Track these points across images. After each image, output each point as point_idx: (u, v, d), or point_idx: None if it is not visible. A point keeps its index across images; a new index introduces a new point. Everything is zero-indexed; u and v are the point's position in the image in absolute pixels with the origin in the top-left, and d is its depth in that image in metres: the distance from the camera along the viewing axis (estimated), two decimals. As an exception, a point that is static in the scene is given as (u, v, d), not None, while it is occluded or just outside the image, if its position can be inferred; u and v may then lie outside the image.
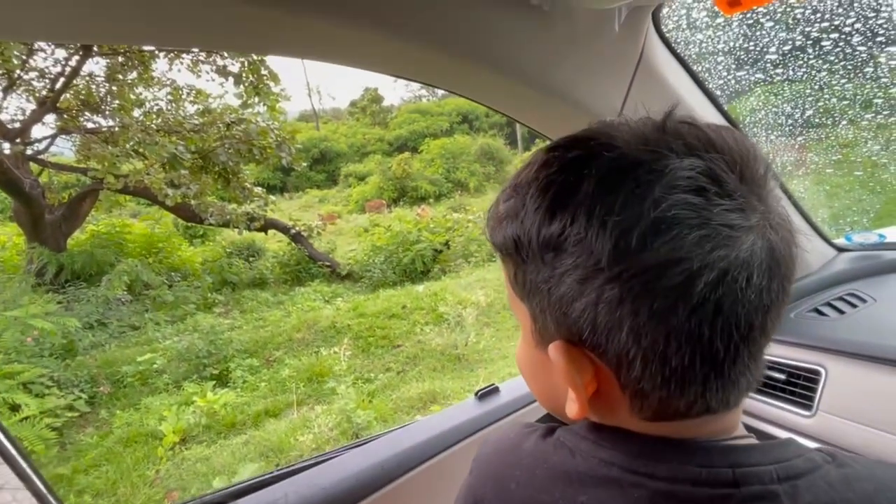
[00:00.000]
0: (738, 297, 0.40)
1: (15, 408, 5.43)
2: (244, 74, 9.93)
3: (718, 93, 0.88)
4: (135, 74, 10.52)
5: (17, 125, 9.48)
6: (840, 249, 1.17)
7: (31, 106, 9.87)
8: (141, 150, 9.64)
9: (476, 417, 0.91)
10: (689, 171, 0.41)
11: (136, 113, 10.59)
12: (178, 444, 4.82)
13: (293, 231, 11.90)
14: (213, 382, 6.12)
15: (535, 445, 0.53)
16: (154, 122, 10.44)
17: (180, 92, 11.10)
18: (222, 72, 9.97)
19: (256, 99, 10.44)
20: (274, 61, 10.03)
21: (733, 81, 0.91)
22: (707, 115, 0.85)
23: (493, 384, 0.98)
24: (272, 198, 12.66)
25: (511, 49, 0.63)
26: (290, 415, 5.12)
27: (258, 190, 11.77)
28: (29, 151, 9.79)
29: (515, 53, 0.63)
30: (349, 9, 0.55)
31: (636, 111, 0.73)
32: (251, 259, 12.81)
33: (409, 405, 4.92)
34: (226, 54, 9.96)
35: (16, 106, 10.16)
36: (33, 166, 10.08)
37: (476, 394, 0.96)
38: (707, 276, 0.39)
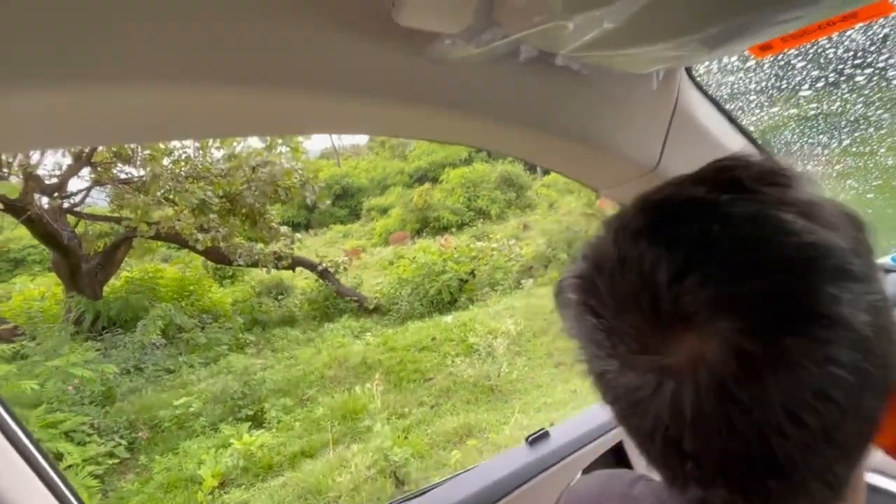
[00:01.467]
0: None
1: (59, 457, 5.53)
2: (268, 119, 10.22)
3: (752, 128, 0.89)
4: (163, 125, 10.91)
5: (55, 180, 9.88)
6: (888, 271, 1.15)
7: (68, 161, 10.30)
8: (171, 196, 9.95)
9: (528, 464, 0.90)
10: None
11: (166, 161, 10.96)
12: (217, 489, 4.83)
13: (320, 268, 12.04)
14: (249, 424, 6.16)
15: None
16: (182, 169, 10.78)
17: (207, 139, 11.45)
18: (246, 117, 10.28)
19: (280, 141, 10.72)
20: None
21: (766, 118, 0.92)
22: (742, 149, 0.86)
23: (542, 429, 0.97)
24: (298, 235, 12.89)
25: (550, 109, 0.65)
26: (326, 454, 5.10)
27: (284, 229, 11.99)
28: (66, 204, 10.19)
29: (555, 112, 0.65)
30: (391, 85, 0.58)
31: (675, 158, 0.75)
32: (280, 297, 12.96)
33: (445, 440, 4.87)
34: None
35: (52, 161, 10.58)
36: (70, 218, 10.47)
37: (527, 440, 0.96)
38: None
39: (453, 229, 21.01)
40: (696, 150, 0.75)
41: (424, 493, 0.99)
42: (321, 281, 12.36)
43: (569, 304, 0.48)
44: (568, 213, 11.13)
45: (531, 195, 24.79)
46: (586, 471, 0.93)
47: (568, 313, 0.48)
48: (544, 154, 0.75)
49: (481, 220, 21.65)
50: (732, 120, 0.84)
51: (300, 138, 11.60)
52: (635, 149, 0.71)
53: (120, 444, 6.20)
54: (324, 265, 12.07)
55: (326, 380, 7.09)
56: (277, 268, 11.53)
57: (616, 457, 0.98)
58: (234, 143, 11.57)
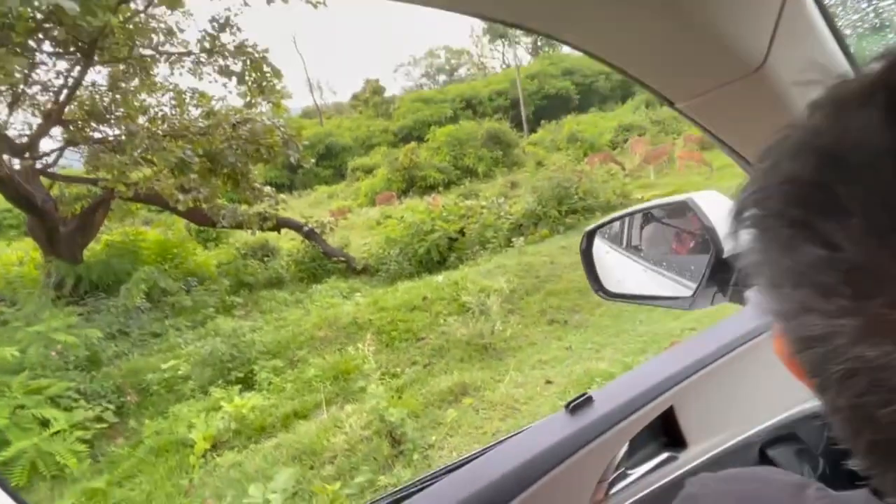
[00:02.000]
0: None
1: (45, 423, 5.42)
2: (247, 73, 9.80)
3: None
4: (137, 81, 10.45)
5: (25, 140, 9.45)
6: None
7: (37, 120, 9.84)
8: (149, 156, 9.58)
9: (570, 436, 0.78)
10: None
11: (142, 120, 10.52)
12: (209, 451, 4.77)
13: (306, 228, 11.82)
14: (239, 386, 6.07)
15: None
16: (160, 127, 10.37)
17: (183, 96, 11.00)
18: (225, 72, 9.88)
19: (260, 98, 10.33)
20: (274, 58, 9.86)
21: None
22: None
23: (584, 394, 0.84)
24: (282, 196, 12.60)
25: None
26: (320, 415, 5.05)
27: (268, 189, 11.70)
28: (38, 165, 9.77)
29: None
30: None
31: (784, 53, 0.60)
32: (266, 259, 12.76)
33: (440, 398, 4.83)
34: (226, 54, 9.84)
35: (22, 121, 10.12)
36: (44, 180, 10.07)
37: (567, 406, 0.83)
38: None
39: (440, 188, 20.77)
40: (807, 45, 0.60)
41: (458, 466, 0.86)
42: (307, 242, 12.16)
43: (766, 227, 0.32)
44: (558, 170, 10.96)
45: (518, 153, 24.51)
46: (633, 442, 0.80)
47: (762, 241, 0.33)
48: (623, 54, 0.60)
49: (468, 178, 21.42)
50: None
51: (283, 96, 11.20)
52: (741, 40, 0.56)
53: (108, 409, 6.10)
54: (310, 226, 11.85)
55: (317, 341, 7.00)
56: (262, 229, 11.28)
57: (665, 426, 0.85)
58: (213, 101, 11.14)
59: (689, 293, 1.17)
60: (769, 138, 0.75)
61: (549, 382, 4.69)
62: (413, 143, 24.56)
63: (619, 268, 1.42)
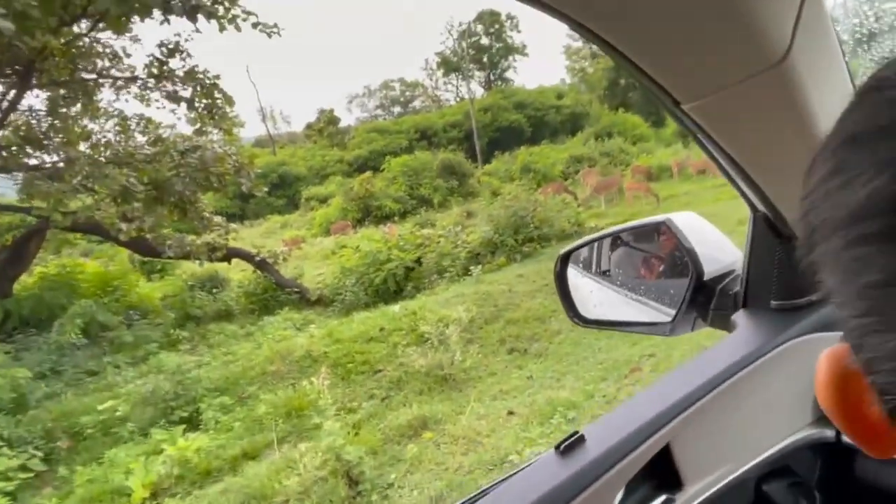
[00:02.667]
0: None
1: (-40, 474, 4.91)
2: (197, 99, 9.55)
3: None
4: (79, 106, 10.04)
5: (-49, 166, 8.86)
6: None
7: (-34, 145, 9.25)
8: (90, 184, 9.13)
9: (564, 482, 0.68)
10: None
11: (83, 146, 10.08)
12: (147, 500, 4.40)
13: (258, 259, 11.45)
14: (184, 426, 5.69)
15: None
16: (102, 154, 9.94)
17: (129, 122, 10.63)
18: (174, 97, 9.59)
19: (211, 125, 10.07)
20: (226, 86, 9.65)
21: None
22: None
23: (575, 432, 0.75)
24: (233, 226, 12.23)
25: None
26: (271, 455, 4.76)
27: (218, 219, 11.33)
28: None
29: None
30: None
31: (806, 45, 0.55)
32: (215, 291, 12.26)
33: (399, 434, 4.64)
34: (176, 79, 9.58)
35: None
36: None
37: (557, 448, 0.74)
38: None
39: (396, 217, 20.67)
40: (826, 37, 0.55)
41: None
42: (259, 273, 11.78)
43: (855, 242, 0.25)
44: (514, 199, 11.07)
45: (473, 183, 24.79)
46: (630, 484, 0.71)
47: (842, 260, 0.26)
48: (637, 46, 0.54)
49: (424, 208, 21.43)
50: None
51: (235, 124, 10.96)
52: (766, 28, 0.50)
53: (34, 456, 5.60)
54: (262, 256, 11.49)
55: (268, 375, 6.68)
56: (211, 260, 10.86)
57: (659, 465, 0.76)
58: (161, 128, 10.79)
59: (668, 318, 1.11)
60: (778, 143, 0.70)
61: (511, 413, 4.58)
62: (368, 173, 24.50)
63: (594, 293, 1.36)
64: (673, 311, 1.10)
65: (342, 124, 45.09)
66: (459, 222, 14.65)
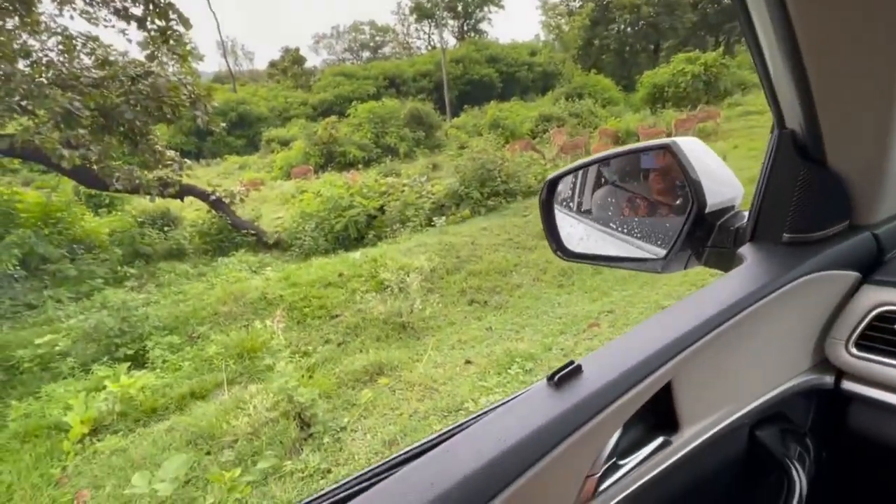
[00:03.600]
0: None
1: None
2: (149, 18, 8.84)
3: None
4: (16, 19, 9.15)
5: None
6: None
7: None
8: (29, 105, 8.42)
9: (558, 417, 0.58)
10: None
11: (21, 64, 9.24)
12: (87, 436, 4.22)
13: (213, 198, 11.00)
14: (128, 364, 5.47)
15: None
16: (44, 74, 9.15)
17: (74, 41, 9.78)
18: (123, 15, 8.84)
19: (165, 49, 9.38)
20: (183, 10, 8.91)
21: None
22: None
23: (571, 362, 0.64)
24: (187, 162, 11.62)
25: None
26: (220, 396, 4.63)
27: (171, 153, 10.74)
28: None
29: None
30: None
31: None
32: (166, 229, 11.77)
33: (354, 379, 4.56)
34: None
35: None
36: None
37: (551, 378, 0.63)
38: None
39: (360, 165, 20.19)
40: None
41: (421, 452, 0.64)
42: (214, 212, 11.35)
43: None
44: (482, 152, 10.87)
45: (440, 135, 24.39)
46: (628, 423, 0.61)
47: None
48: None
49: (389, 157, 20.99)
50: None
51: (191, 51, 10.24)
52: None
53: (-36, 389, 5.30)
54: (217, 195, 11.04)
55: (220, 316, 6.47)
56: (163, 196, 10.34)
57: (657, 405, 0.67)
58: (111, 53, 9.99)
59: (661, 254, 1.01)
60: (865, 42, 0.59)
61: (468, 363, 4.56)
62: (333, 118, 23.74)
63: (581, 224, 1.24)
64: (664, 249, 1.01)
65: (308, 65, 43.45)
66: (425, 173, 14.39)
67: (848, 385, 0.86)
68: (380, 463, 0.71)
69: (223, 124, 11.83)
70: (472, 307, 6.04)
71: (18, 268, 8.28)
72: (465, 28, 47.30)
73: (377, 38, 54.48)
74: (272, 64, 42.98)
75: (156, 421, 4.42)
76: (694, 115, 17.19)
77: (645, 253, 1.07)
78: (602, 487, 0.65)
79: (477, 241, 7.79)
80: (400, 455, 0.70)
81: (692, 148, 0.98)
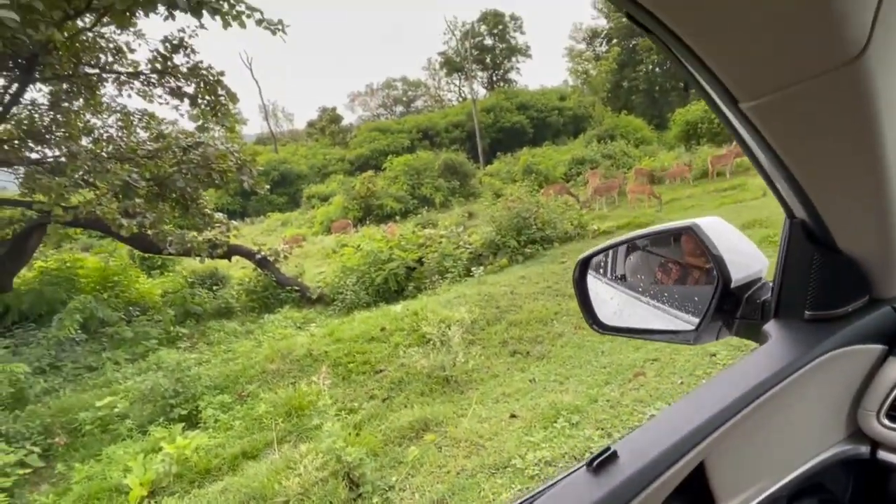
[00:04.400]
0: None
1: (-43, 470, 4.87)
2: (200, 95, 9.51)
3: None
4: (81, 101, 9.98)
5: (-48, 159, 8.81)
6: None
7: (-33, 138, 9.21)
8: (91, 179, 9.08)
9: (597, 502, 0.64)
10: None
11: (85, 141, 10.01)
12: (146, 498, 4.36)
13: (258, 256, 11.42)
14: (183, 424, 5.65)
15: None
16: (104, 149, 9.88)
17: (132, 117, 10.57)
18: (177, 93, 9.55)
19: (214, 121, 10.02)
20: (229, 83, 9.58)
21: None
22: None
23: (608, 448, 0.71)
24: (234, 223, 12.18)
25: None
26: (271, 455, 4.72)
27: (219, 215, 11.29)
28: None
29: None
30: None
31: (888, 36, 0.51)
32: (215, 288, 12.24)
33: (400, 435, 4.60)
34: (179, 75, 9.53)
35: (-50, 138, 9.44)
36: (-29, 202, 9.37)
37: (590, 464, 0.70)
38: None
39: (397, 217, 20.67)
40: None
41: None
42: (260, 270, 11.76)
43: None
44: (516, 200, 11.02)
45: (475, 183, 24.79)
46: (667, 503, 0.67)
47: None
48: (702, 36, 0.50)
49: (425, 207, 21.43)
50: None
51: (238, 121, 10.91)
52: (843, 20, 0.46)
53: (32, 452, 5.56)
54: (262, 253, 11.46)
55: (268, 374, 6.64)
56: (212, 257, 10.83)
57: (696, 484, 0.73)
58: (164, 124, 10.74)
59: (692, 327, 1.07)
60: (834, 146, 0.65)
61: (513, 416, 4.54)
62: (370, 172, 24.50)
63: (614, 299, 1.32)
64: (696, 320, 1.07)
65: (344, 123, 45.18)
66: (461, 222, 14.63)
67: (883, 455, 0.89)
68: None
69: (266, 186, 12.41)
70: (514, 358, 6.04)
71: (80, 331, 8.73)
72: (495, 78, 48.55)
73: (409, 93, 56.41)
74: (310, 123, 44.93)
75: (210, 482, 4.53)
76: (731, 151, 17.01)
77: (678, 324, 1.13)
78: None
79: (516, 290, 7.83)
80: None
81: (713, 227, 1.06)
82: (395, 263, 10.41)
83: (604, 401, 4.45)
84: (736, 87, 0.57)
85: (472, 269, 9.49)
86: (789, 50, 0.50)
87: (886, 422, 0.86)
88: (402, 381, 5.78)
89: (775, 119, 0.61)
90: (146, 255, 12.66)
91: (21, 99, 9.19)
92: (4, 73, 8.86)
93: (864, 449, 0.90)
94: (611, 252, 1.31)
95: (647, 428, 0.78)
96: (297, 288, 11.36)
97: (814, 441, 0.89)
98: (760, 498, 0.83)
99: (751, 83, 0.56)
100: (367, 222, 20.25)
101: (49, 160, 9.55)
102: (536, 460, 3.73)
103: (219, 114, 9.69)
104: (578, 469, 0.73)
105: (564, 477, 0.73)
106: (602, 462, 0.71)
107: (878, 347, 0.87)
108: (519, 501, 0.75)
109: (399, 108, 56.24)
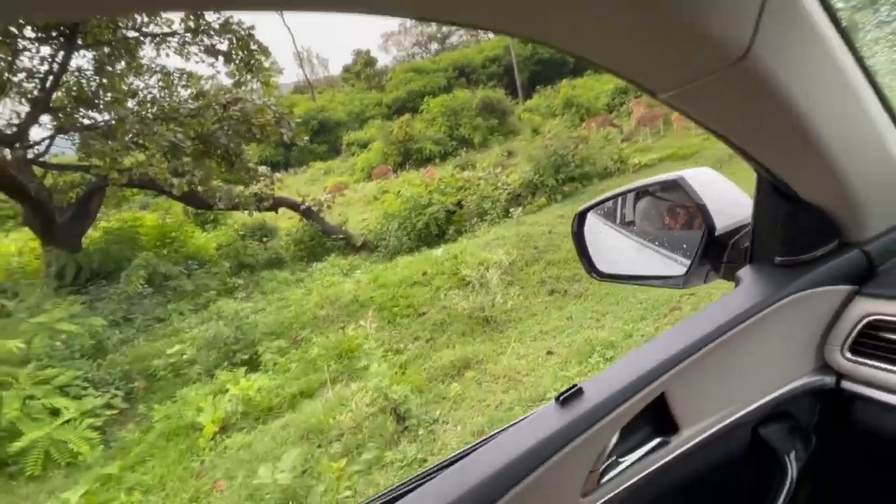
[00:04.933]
0: None
1: (55, 412, 5.50)
2: (233, 51, 9.62)
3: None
4: (123, 64, 10.28)
5: (14, 129, 9.34)
6: None
7: (25, 108, 9.72)
8: (141, 141, 9.49)
9: (561, 429, 0.78)
10: None
11: (131, 104, 10.39)
12: (218, 434, 4.84)
13: (303, 207, 11.78)
14: (245, 368, 6.13)
15: None
16: (149, 111, 10.24)
17: (171, 77, 10.84)
18: (211, 51, 9.69)
19: (249, 76, 10.16)
20: (262, 33, 9.66)
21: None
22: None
23: (574, 385, 0.84)
24: (277, 175, 12.54)
25: None
26: (325, 394, 5.11)
27: (263, 169, 11.63)
28: (30, 155, 9.68)
29: None
30: None
31: (769, 42, 0.58)
32: (265, 239, 12.76)
33: (442, 373, 4.88)
34: (212, 32, 9.64)
35: (10, 110, 9.98)
36: (36, 169, 9.98)
37: (557, 399, 0.83)
38: None
39: (437, 160, 20.61)
40: (794, 33, 0.58)
41: (447, 465, 0.87)
42: (305, 220, 12.14)
43: None
44: (554, 137, 10.84)
45: (513, 121, 24.25)
46: (625, 430, 0.80)
47: None
48: (598, 48, 0.58)
49: (464, 148, 21.22)
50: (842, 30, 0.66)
51: (272, 74, 11.02)
52: (722, 29, 0.54)
53: (117, 395, 6.18)
54: (307, 204, 11.80)
55: (319, 319, 7.04)
56: (259, 210, 11.25)
57: (656, 412, 0.85)
58: (201, 81, 10.97)
59: (682, 271, 1.16)
60: (764, 124, 0.72)
61: (550, 353, 4.73)
62: (407, 115, 24.29)
63: (611, 248, 1.41)
64: (686, 264, 1.15)
65: (379, 65, 44.43)
66: (500, 163, 14.49)
67: (847, 385, 0.97)
68: (421, 472, 0.94)
69: (306, 137, 12.60)
70: (552, 297, 6.18)
71: (146, 286, 9.38)
72: (532, 6, 46.29)
73: (443, 29, 54.62)
74: (346, 68, 44.45)
75: (272, 419, 4.97)
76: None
77: (669, 270, 1.22)
78: (603, 481, 0.84)
79: (554, 230, 7.87)
80: (438, 465, 0.93)
81: (700, 178, 1.13)
82: (434, 208, 10.55)
83: (639, 335, 4.57)
84: (649, 84, 0.65)
85: (511, 209, 9.53)
86: (675, 55, 0.58)
87: (849, 355, 0.94)
88: (443, 323, 6.04)
89: (697, 105, 0.69)
90: (198, 210, 13.24)
91: (68, 66, 9.56)
92: (50, 42, 9.20)
93: (830, 380, 0.98)
94: (606, 205, 1.39)
95: (613, 367, 0.90)
96: (341, 236, 11.71)
97: (780, 374, 0.97)
98: (725, 423, 0.93)
99: (658, 80, 0.64)
100: (407, 167, 20.29)
101: (101, 125, 10.01)
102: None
103: (253, 69, 9.82)
104: (548, 404, 0.86)
105: (533, 413, 0.87)
106: (568, 397, 0.84)
107: (845, 288, 0.94)
108: (493, 433, 0.90)
109: (434, 46, 54.73)
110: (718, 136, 0.77)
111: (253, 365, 6.32)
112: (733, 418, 0.94)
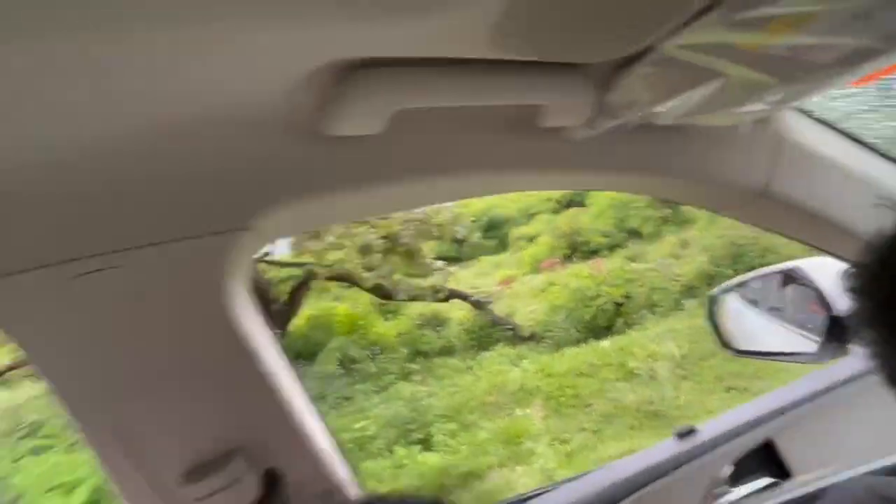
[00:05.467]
0: None
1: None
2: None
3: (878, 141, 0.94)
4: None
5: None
6: None
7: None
8: (340, 241, 11.12)
9: (675, 456, 1.02)
10: None
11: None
12: (395, 505, 5.24)
13: (473, 299, 12.49)
14: (419, 446, 6.59)
15: None
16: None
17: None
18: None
19: (431, 182, 11.46)
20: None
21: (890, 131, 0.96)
22: (871, 167, 0.91)
23: (690, 425, 1.09)
24: (451, 269, 13.52)
25: (658, 154, 0.82)
26: (493, 476, 5.31)
27: (438, 263, 12.69)
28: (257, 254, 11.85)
29: (661, 156, 0.82)
30: (539, 159, 0.80)
31: (783, 179, 0.85)
32: (438, 329, 13.62)
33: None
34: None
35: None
36: (259, 265, 12.12)
37: (675, 435, 1.09)
38: None
39: (604, 252, 20.33)
40: (806, 170, 0.85)
41: (574, 479, 1.14)
42: (476, 311, 12.78)
43: None
44: (731, 228, 10.32)
45: (687, 210, 23.18)
46: (739, 466, 1.02)
47: None
48: (663, 191, 0.92)
49: (633, 240, 20.70)
50: (853, 138, 0.91)
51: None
52: (742, 174, 0.84)
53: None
54: (477, 296, 12.50)
55: (487, 405, 7.34)
56: (435, 300, 12.19)
57: (769, 456, 1.05)
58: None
59: (812, 350, 1.32)
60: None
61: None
62: (574, 209, 24.60)
63: (746, 327, 1.59)
64: (817, 342, 1.32)
65: (546, 163, 45.80)
66: (672, 253, 13.94)
67: None
68: (551, 484, 1.20)
69: (478, 234, 13.57)
70: (729, 394, 5.78)
71: (338, 367, 10.59)
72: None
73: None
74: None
75: (444, 496, 5.27)
76: None
77: (800, 346, 1.39)
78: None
79: (732, 323, 7.39)
80: (565, 479, 1.19)
81: (815, 267, 1.33)
82: (602, 300, 10.51)
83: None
84: (708, 208, 0.96)
85: (684, 301, 9.15)
86: (719, 193, 0.90)
87: None
88: (610, 415, 5.96)
89: (756, 220, 0.98)
90: (382, 301, 14.68)
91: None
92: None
93: None
94: (736, 289, 1.60)
95: (727, 414, 1.13)
96: (509, 326, 12.07)
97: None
98: (839, 475, 1.07)
99: (713, 206, 0.95)
100: (574, 259, 20.31)
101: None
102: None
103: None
104: (667, 440, 1.11)
105: (656, 445, 1.12)
106: (684, 434, 1.09)
107: None
108: (621, 460, 1.15)
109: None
110: (792, 238, 1.02)
111: (426, 444, 6.76)
112: (849, 472, 1.07)
